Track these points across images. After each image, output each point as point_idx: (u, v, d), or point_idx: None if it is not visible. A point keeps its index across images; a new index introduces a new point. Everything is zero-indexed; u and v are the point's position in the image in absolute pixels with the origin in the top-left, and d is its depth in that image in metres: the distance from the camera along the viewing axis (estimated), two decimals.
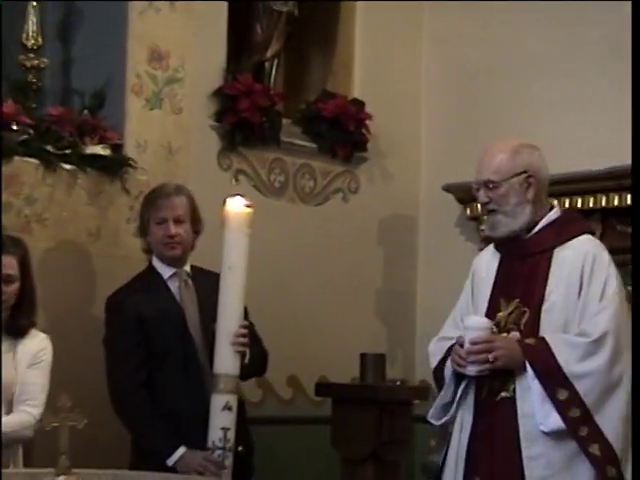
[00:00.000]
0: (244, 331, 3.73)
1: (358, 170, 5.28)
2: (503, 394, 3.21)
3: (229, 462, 3.68)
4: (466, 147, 5.09)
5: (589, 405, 3.11)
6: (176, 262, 3.92)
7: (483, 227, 4.48)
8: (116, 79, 4.41)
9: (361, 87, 5.25)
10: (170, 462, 3.67)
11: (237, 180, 4.80)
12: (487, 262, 3.45)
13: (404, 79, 5.42)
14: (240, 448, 3.74)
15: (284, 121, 4.99)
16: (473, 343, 3.17)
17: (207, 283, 3.88)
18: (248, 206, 3.77)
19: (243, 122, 4.75)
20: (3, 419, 3.46)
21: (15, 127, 4.09)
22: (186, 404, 3.76)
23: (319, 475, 4.82)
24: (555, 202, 3.94)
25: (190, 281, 3.93)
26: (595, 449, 3.10)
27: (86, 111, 4.38)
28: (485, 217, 3.46)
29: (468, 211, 5.13)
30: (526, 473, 3.13)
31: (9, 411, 3.53)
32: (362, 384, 4.69)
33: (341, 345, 4.98)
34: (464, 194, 4.93)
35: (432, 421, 3.40)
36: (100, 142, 4.32)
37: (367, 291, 5.27)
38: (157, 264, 3.94)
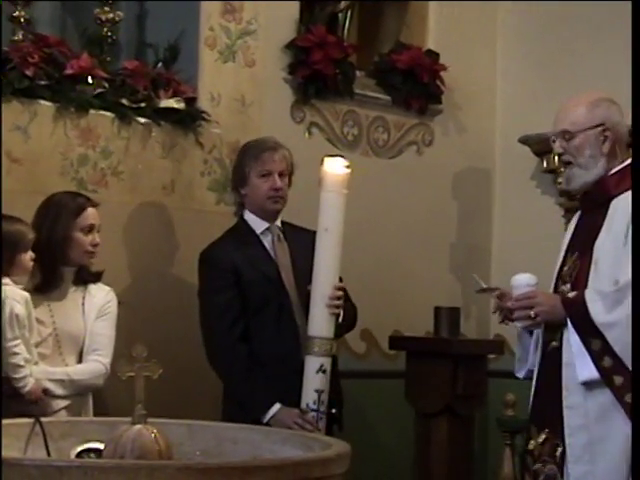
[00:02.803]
0: (339, 293, 3.72)
1: (432, 122, 5.22)
2: (553, 343, 3.28)
3: (323, 424, 3.67)
4: (543, 98, 5.03)
5: (620, 354, 3.13)
6: (270, 217, 3.91)
7: (560, 180, 4.44)
8: (190, 32, 4.39)
9: (435, 38, 5.20)
10: (265, 419, 3.66)
11: (310, 133, 4.80)
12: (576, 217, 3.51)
13: (479, 30, 5.34)
14: (334, 410, 3.75)
15: (357, 73, 4.95)
16: (516, 300, 3.27)
17: (299, 239, 3.89)
18: (347, 167, 3.73)
19: (316, 74, 4.72)
20: (76, 367, 3.56)
21: (90, 80, 4.10)
22: (280, 358, 3.75)
23: (393, 428, 4.83)
24: None
25: (282, 236, 3.94)
26: (630, 398, 3.09)
27: (160, 64, 4.38)
28: (562, 170, 3.49)
29: (545, 163, 5.07)
30: (565, 421, 3.22)
31: (79, 361, 3.61)
32: (436, 337, 4.69)
33: (415, 299, 4.97)
34: (541, 146, 4.86)
35: (516, 374, 3.51)
36: (174, 95, 4.32)
37: (442, 245, 5.23)
38: (250, 218, 3.92)
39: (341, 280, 3.84)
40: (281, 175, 3.88)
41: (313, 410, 3.65)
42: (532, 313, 3.24)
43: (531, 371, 3.42)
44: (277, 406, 3.69)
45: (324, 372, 3.66)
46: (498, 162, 5.39)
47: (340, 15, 4.97)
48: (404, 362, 4.69)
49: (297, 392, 3.70)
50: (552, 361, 3.27)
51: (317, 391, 3.65)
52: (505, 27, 5.37)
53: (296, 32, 4.72)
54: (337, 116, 4.91)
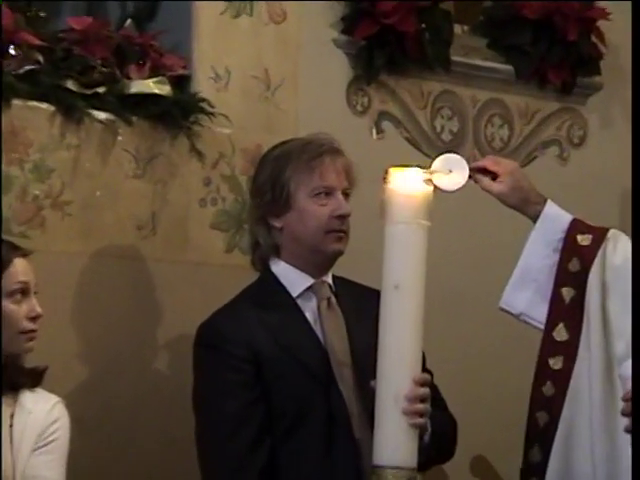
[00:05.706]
0: (423, 391, 3.51)
1: (585, 107, 5.16)
2: None
3: None
4: None
5: None
6: (322, 266, 3.83)
7: None
8: None
9: None
10: None
11: (379, 130, 4.70)
12: None
13: None
14: None
15: (456, 28, 4.84)
16: (625, 400, 3.44)
17: (362, 306, 3.80)
18: (429, 181, 3.58)
19: (388, 33, 4.59)
20: None
21: (13, 51, 4.01)
22: None
23: None
24: None
25: (334, 300, 3.84)
26: None
27: (129, 22, 4.34)
28: None
29: None
30: None
31: None
32: None
33: None
34: None
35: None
36: (153, 74, 4.22)
37: None
38: (281, 270, 3.83)
39: (432, 374, 3.70)
40: (345, 195, 3.84)
41: None
42: None
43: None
44: None
45: None
46: None
47: None
48: None
49: None
50: None
51: None
52: None
53: None
54: (424, 101, 4.80)
